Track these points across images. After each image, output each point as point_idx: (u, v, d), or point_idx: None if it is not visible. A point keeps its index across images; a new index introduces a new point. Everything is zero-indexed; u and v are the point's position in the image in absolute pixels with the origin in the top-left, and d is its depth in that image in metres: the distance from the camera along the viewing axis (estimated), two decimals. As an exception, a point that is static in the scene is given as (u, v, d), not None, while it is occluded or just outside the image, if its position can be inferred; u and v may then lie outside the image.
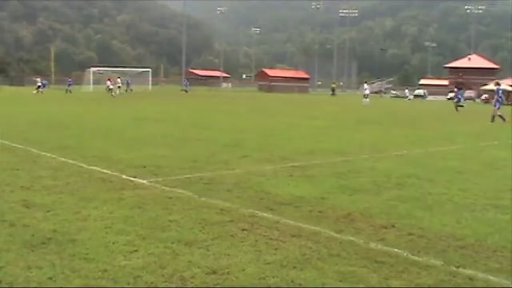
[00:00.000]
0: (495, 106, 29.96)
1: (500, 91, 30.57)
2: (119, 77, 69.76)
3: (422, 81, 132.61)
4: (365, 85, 55.65)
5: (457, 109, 42.82)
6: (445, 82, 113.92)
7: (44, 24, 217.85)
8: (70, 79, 72.22)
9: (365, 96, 51.87)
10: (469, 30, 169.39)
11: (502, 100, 30.32)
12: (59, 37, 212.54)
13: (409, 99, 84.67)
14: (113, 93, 59.22)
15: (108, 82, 66.14)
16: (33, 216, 7.04)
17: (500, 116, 28.84)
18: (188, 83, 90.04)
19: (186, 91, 72.30)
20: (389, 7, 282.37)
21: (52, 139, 16.02)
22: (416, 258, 5.73)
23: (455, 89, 49.69)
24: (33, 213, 7.20)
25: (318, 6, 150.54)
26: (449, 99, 78.80)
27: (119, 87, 65.59)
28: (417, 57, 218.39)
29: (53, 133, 18.13)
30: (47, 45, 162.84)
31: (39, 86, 61.45)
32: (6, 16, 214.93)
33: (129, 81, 78.72)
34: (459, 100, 45.72)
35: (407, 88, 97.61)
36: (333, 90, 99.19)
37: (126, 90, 70.69)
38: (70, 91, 64.46)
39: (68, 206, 7.61)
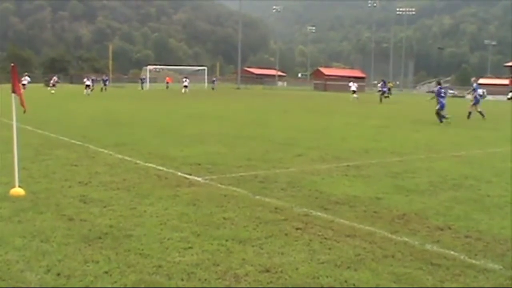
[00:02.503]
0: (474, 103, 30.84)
1: (479, 90, 31.68)
2: (186, 77, 70.76)
3: (481, 81, 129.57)
4: (350, 83, 60.78)
5: (381, 101, 51.42)
6: (506, 82, 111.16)
7: (103, 23, 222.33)
8: (105, 77, 71.06)
9: (353, 92, 57.14)
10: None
11: (478, 98, 31.25)
12: (117, 35, 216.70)
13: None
14: (184, 91, 62.99)
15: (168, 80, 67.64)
16: (90, 211, 7.17)
17: (479, 112, 29.77)
18: (215, 80, 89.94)
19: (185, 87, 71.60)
20: (447, 4, 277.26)
21: (110, 136, 16.30)
22: (473, 261, 5.60)
23: (382, 82, 57.86)
24: (90, 208, 7.34)
25: (374, 4, 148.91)
26: (509, 98, 77.00)
27: (186, 86, 66.52)
28: (476, 56, 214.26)
29: (111, 130, 18.45)
30: (106, 43, 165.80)
31: (94, 83, 61.43)
32: (67, 16, 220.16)
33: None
34: (383, 92, 53.96)
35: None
36: (389, 89, 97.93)
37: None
38: (105, 89, 64.61)
39: (124, 202, 7.73)
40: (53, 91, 54.99)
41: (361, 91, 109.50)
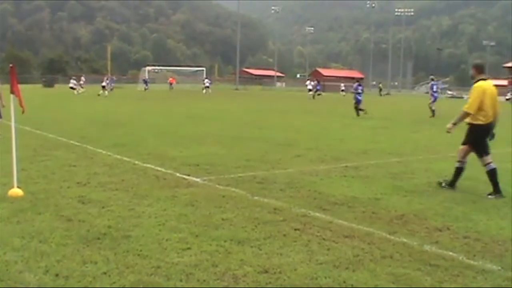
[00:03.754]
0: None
1: (435, 86, 33.01)
2: (206, 78, 72.52)
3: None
4: (308, 82, 68.22)
5: (313, 97, 58.39)
6: (504, 82, 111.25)
7: (101, 24, 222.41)
8: (107, 77, 67.47)
9: (309, 91, 63.14)
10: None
11: (436, 95, 32.81)
12: (115, 36, 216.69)
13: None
14: (205, 92, 66.26)
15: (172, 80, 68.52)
16: (88, 212, 7.17)
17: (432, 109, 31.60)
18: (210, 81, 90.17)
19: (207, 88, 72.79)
20: (446, 5, 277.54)
21: (108, 137, 16.31)
22: (471, 262, 5.61)
23: (315, 81, 66.41)
24: (89, 209, 7.34)
25: (373, 5, 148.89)
26: (507, 99, 77.07)
27: (207, 87, 68.83)
28: (475, 57, 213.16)
29: (109, 131, 18.45)
30: (104, 44, 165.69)
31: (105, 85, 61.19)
32: (65, 16, 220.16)
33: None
34: (317, 90, 61.70)
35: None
36: (380, 90, 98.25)
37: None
38: (77, 92, 59.43)
39: (123, 203, 7.73)
40: (80, 91, 55.91)
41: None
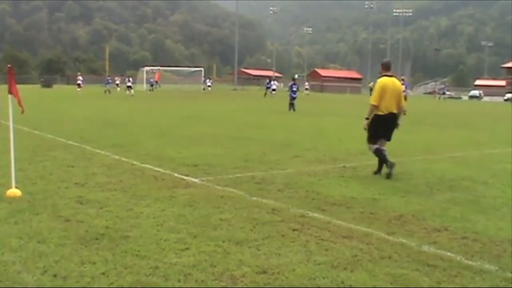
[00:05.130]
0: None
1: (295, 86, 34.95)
2: (208, 78, 74.41)
3: (478, 82, 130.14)
4: (272, 82, 70.14)
5: (265, 95, 61.77)
6: (502, 83, 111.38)
7: (100, 24, 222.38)
8: (108, 78, 67.60)
9: (273, 90, 65.96)
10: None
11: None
12: (113, 36, 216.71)
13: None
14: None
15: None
16: (87, 213, 7.16)
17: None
18: (210, 81, 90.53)
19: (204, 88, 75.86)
20: (444, 6, 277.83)
21: (106, 137, 16.29)
22: (470, 262, 5.61)
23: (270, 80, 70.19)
24: (87, 210, 7.33)
25: (371, 5, 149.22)
26: (506, 100, 77.19)
27: (209, 86, 73.05)
28: (473, 57, 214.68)
29: (107, 131, 18.43)
30: (102, 44, 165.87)
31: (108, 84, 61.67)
32: (63, 17, 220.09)
33: None
34: (272, 89, 64.33)
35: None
36: (371, 90, 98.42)
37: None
38: (109, 91, 60.72)
39: (121, 203, 7.72)
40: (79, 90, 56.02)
41: (358, 92, 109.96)
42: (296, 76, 47.52)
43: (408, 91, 35.49)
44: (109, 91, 59.41)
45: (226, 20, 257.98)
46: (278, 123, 24.09)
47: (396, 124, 10.96)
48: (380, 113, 10.70)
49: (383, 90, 10.65)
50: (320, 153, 13.82)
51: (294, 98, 33.49)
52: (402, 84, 34.37)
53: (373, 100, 10.78)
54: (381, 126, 10.82)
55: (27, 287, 4.69)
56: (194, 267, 5.20)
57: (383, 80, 10.77)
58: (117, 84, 61.46)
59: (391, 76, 10.93)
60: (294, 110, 32.79)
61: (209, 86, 76.81)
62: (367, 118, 10.89)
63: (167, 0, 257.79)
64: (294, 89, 33.91)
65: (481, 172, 11.59)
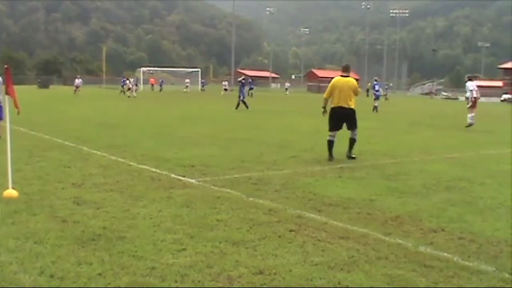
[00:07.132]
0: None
1: (375, 85, 38.33)
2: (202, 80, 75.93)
3: (475, 82, 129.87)
4: (225, 83, 73.68)
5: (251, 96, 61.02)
6: (499, 84, 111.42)
7: (96, 25, 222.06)
8: (124, 78, 63.99)
9: (225, 90, 69.09)
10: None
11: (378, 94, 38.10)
12: (110, 37, 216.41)
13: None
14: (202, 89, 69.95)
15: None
16: (83, 213, 7.16)
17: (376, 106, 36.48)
18: (205, 82, 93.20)
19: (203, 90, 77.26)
20: (441, 6, 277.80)
21: (103, 138, 16.29)
22: (466, 263, 5.61)
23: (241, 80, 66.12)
24: (84, 210, 7.33)
25: (368, 6, 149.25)
26: (502, 100, 77.31)
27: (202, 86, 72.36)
28: (470, 58, 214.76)
29: (104, 131, 18.43)
30: (99, 45, 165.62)
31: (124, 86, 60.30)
32: (60, 17, 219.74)
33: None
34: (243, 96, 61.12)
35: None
36: (367, 90, 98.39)
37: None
38: (124, 92, 58.70)
39: (118, 204, 7.72)
40: (134, 94, 55.62)
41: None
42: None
43: (381, 90, 40.08)
44: (123, 92, 58.49)
45: (223, 20, 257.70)
46: (275, 124, 24.07)
47: (353, 118, 13.18)
48: (333, 105, 13.02)
49: (333, 87, 12.99)
50: (317, 154, 13.82)
51: (244, 96, 35.00)
52: (375, 83, 37.29)
53: (325, 94, 13.37)
54: (334, 116, 13.04)
55: (24, 287, 4.69)
56: (190, 267, 5.20)
57: (336, 79, 13.11)
58: (136, 84, 61.22)
59: (346, 76, 13.12)
60: (245, 107, 33.93)
61: (202, 86, 78.05)
62: (323, 107, 13.40)
63: (164, 1, 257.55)
64: (242, 88, 35.61)
65: (478, 173, 11.61)
